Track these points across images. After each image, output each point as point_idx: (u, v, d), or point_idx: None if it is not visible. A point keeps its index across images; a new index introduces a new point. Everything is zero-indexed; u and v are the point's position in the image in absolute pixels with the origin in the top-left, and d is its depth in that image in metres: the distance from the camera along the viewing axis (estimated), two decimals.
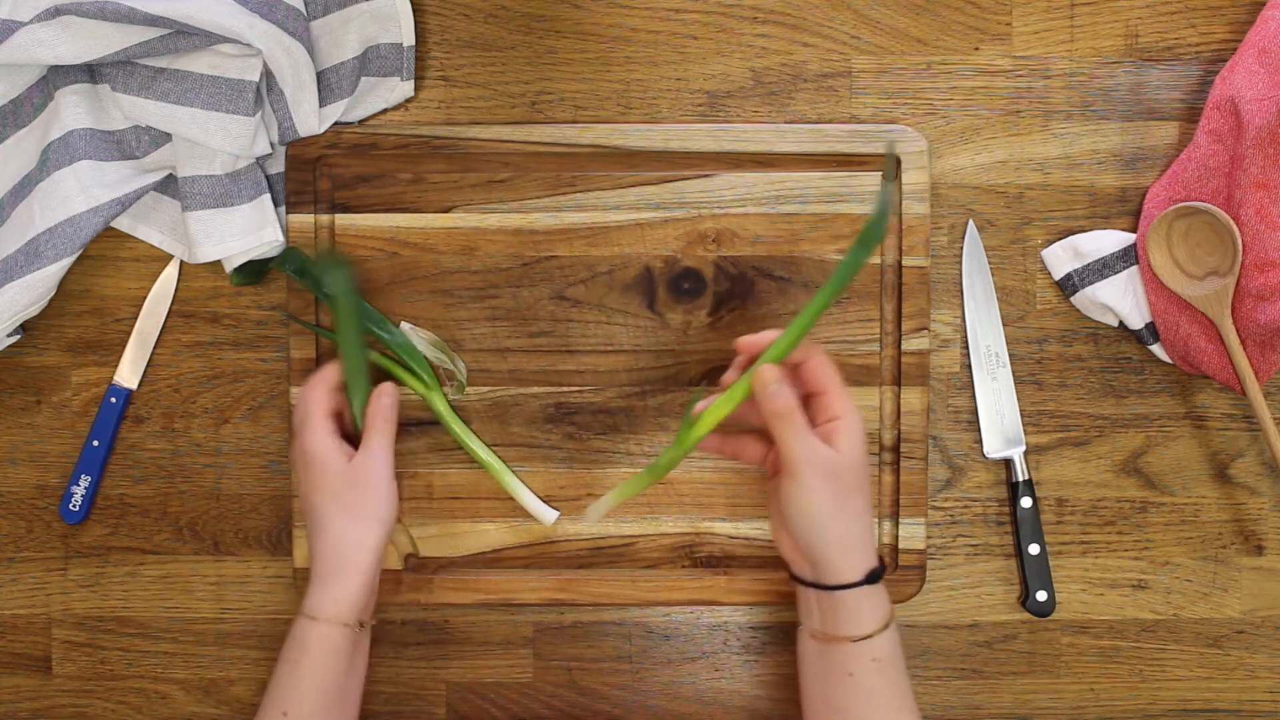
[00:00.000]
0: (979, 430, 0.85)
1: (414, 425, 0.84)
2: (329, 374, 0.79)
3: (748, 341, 0.75)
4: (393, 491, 0.78)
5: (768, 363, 0.73)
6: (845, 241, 0.84)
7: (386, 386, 0.80)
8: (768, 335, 0.75)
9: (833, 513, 0.72)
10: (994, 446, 0.85)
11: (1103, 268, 0.84)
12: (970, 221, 0.85)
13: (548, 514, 0.83)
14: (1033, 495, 0.84)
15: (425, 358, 0.83)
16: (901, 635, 0.85)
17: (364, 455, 0.77)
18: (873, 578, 0.73)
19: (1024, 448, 0.85)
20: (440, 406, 0.83)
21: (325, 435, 0.77)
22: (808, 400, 0.75)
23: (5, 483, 0.86)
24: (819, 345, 0.75)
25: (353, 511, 0.76)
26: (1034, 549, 0.84)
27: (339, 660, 0.75)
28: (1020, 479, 0.84)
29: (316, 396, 0.78)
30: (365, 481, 0.77)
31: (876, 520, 0.84)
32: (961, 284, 0.85)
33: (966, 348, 0.85)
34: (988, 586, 0.86)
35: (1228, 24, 0.85)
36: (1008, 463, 0.85)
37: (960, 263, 0.85)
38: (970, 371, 0.85)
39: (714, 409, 0.74)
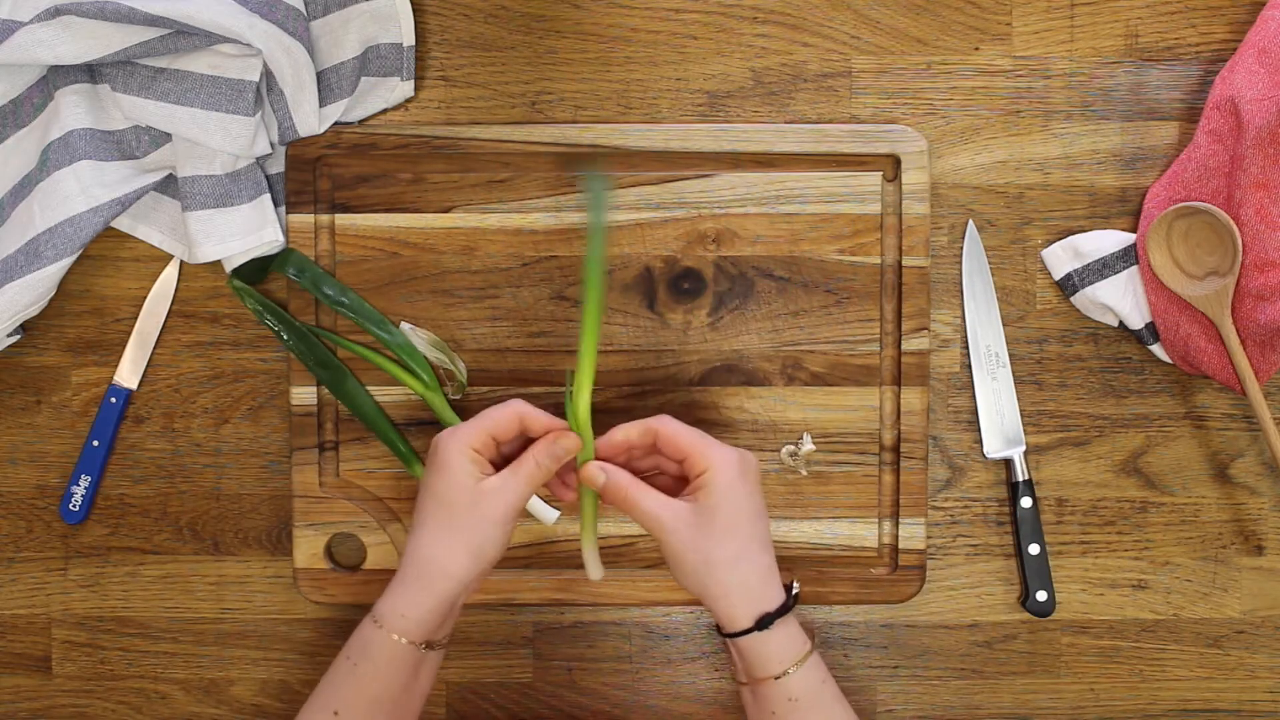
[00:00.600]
0: (979, 430, 0.85)
1: (414, 425, 0.84)
2: (488, 432, 0.73)
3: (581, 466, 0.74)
4: (505, 534, 0.72)
5: (586, 461, 0.73)
6: (845, 241, 0.84)
7: (571, 437, 0.73)
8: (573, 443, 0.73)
9: (701, 566, 0.71)
10: (994, 446, 0.85)
11: (1103, 268, 0.84)
12: (970, 221, 0.85)
13: (549, 514, 0.83)
14: (1033, 495, 0.84)
15: (425, 358, 0.83)
16: (898, 638, 0.85)
17: (499, 483, 0.71)
18: (763, 623, 0.71)
19: (1024, 448, 0.85)
20: (440, 407, 0.83)
21: (471, 447, 0.72)
22: (682, 464, 0.74)
23: (5, 483, 0.86)
24: (662, 415, 0.74)
25: (456, 531, 0.71)
26: (1034, 549, 0.84)
27: (398, 674, 0.71)
28: (1020, 479, 0.84)
29: (494, 424, 0.73)
30: (483, 509, 0.71)
31: (876, 521, 0.84)
32: (961, 284, 0.85)
33: (966, 348, 0.85)
34: (988, 586, 0.86)
35: (1228, 24, 0.85)
36: (1008, 463, 0.85)
37: (960, 263, 0.85)
38: (970, 371, 0.85)
39: (584, 533, 0.75)
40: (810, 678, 0.72)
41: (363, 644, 0.72)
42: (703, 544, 0.71)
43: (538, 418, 0.74)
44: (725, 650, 0.75)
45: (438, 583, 0.71)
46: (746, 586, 0.72)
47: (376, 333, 0.82)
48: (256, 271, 0.83)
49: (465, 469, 0.71)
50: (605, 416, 0.84)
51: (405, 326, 0.83)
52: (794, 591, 0.74)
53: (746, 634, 0.72)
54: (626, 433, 0.74)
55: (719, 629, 0.74)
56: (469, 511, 0.71)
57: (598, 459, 0.74)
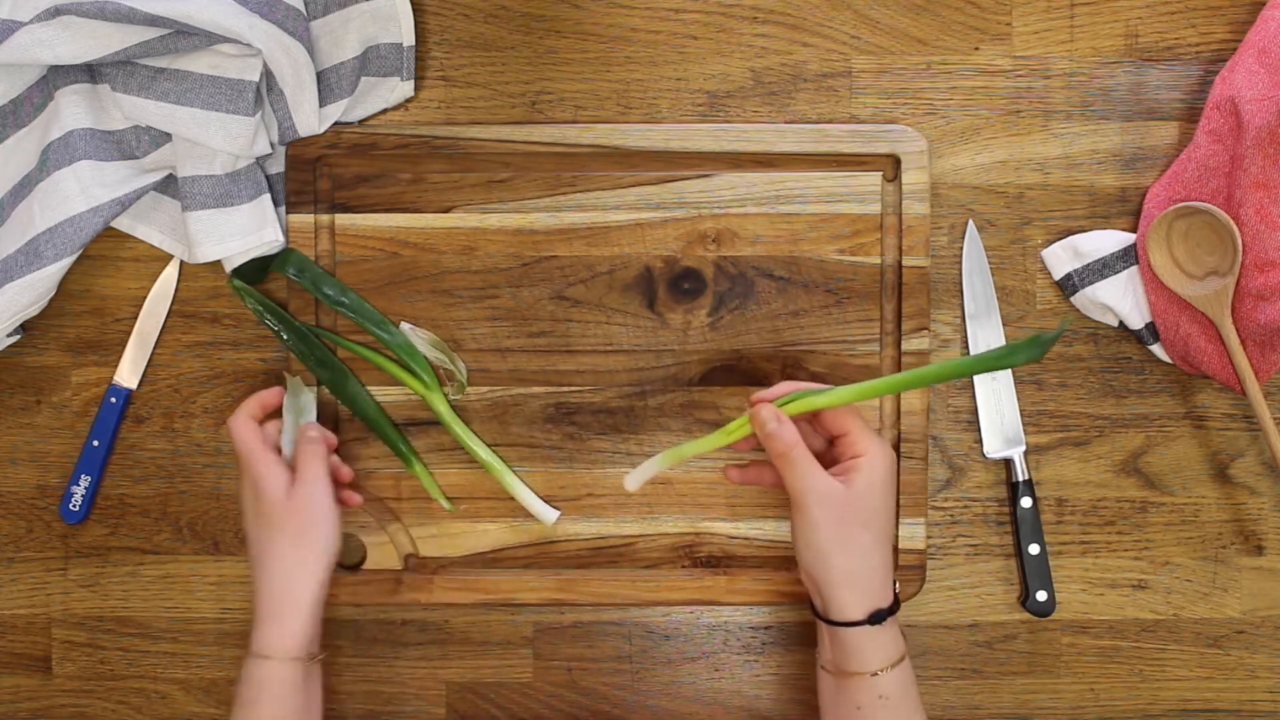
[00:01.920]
0: (979, 430, 0.85)
1: (414, 425, 0.84)
2: (258, 402, 0.79)
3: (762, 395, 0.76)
4: (334, 521, 0.76)
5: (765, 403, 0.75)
6: (845, 241, 0.84)
7: (312, 425, 0.79)
8: (782, 388, 0.76)
9: (835, 548, 0.73)
10: (994, 446, 0.85)
11: (1103, 268, 0.84)
12: (970, 221, 0.85)
13: (549, 514, 0.83)
14: (1033, 495, 0.84)
15: (425, 358, 0.83)
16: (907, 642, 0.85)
17: (300, 486, 0.75)
18: (876, 618, 0.73)
19: (1024, 448, 0.85)
20: (440, 407, 0.83)
21: (271, 464, 0.76)
22: (835, 441, 0.76)
23: (5, 483, 0.86)
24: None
25: (296, 544, 0.75)
26: (1034, 549, 0.84)
27: (296, 696, 0.74)
28: (1020, 479, 0.84)
29: (249, 427, 0.77)
30: (306, 512, 0.75)
31: None
32: (961, 284, 0.85)
33: (966, 348, 0.85)
34: (988, 586, 0.86)
35: (1228, 24, 0.85)
36: (1008, 463, 0.85)
37: (960, 263, 0.85)
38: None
39: (710, 439, 0.77)
40: (900, 680, 0.73)
41: (255, 683, 0.74)
42: (840, 528, 0.73)
43: (261, 401, 0.79)
44: (818, 634, 0.76)
45: (305, 595, 0.75)
46: (865, 579, 0.73)
47: (377, 333, 0.82)
48: (257, 271, 0.83)
49: (276, 486, 0.75)
50: (605, 416, 0.84)
51: (405, 327, 0.83)
52: (897, 594, 0.76)
53: (855, 625, 0.73)
54: (793, 389, 0.75)
55: (820, 614, 0.75)
56: (298, 522, 0.75)
57: (761, 402, 0.76)
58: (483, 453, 0.82)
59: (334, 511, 0.76)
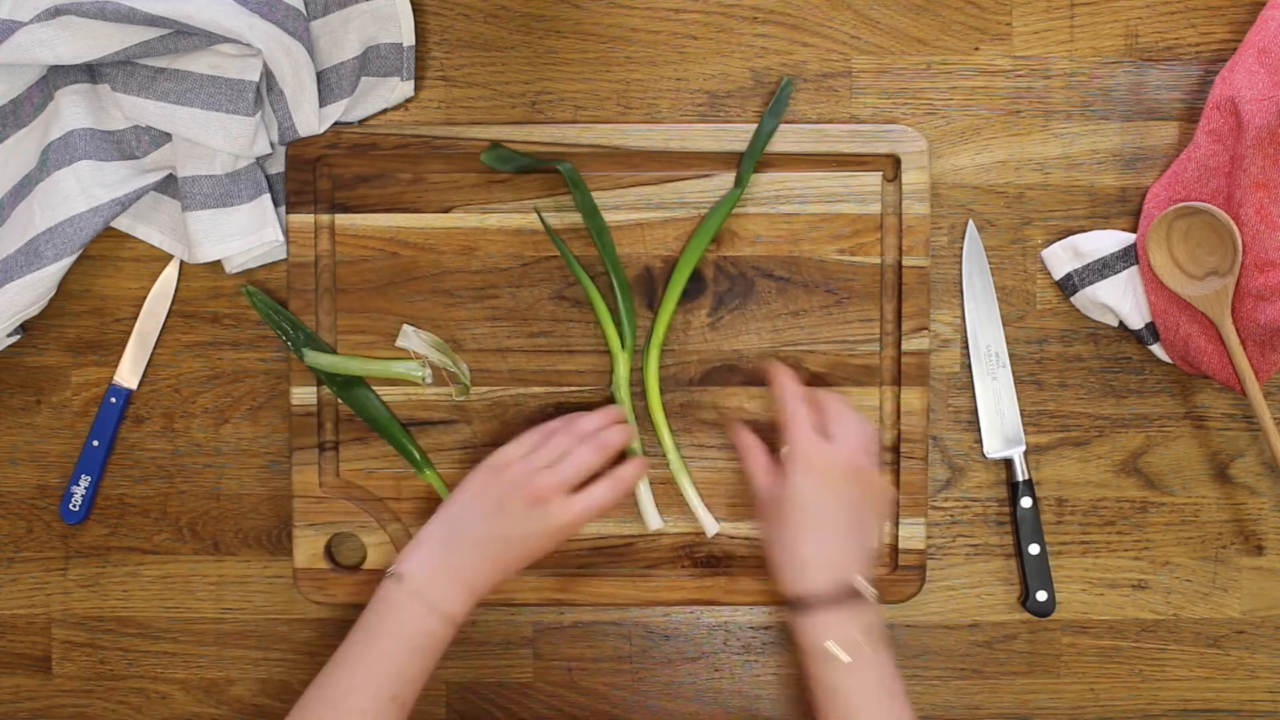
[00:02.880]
0: (979, 430, 0.85)
1: (414, 425, 0.84)
2: (585, 425, 0.79)
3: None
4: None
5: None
6: (845, 241, 0.84)
7: (639, 461, 0.80)
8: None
9: (771, 538, 0.77)
10: (994, 446, 0.85)
11: (1103, 268, 0.84)
12: (970, 221, 0.85)
13: (656, 519, 0.83)
14: (1033, 495, 0.84)
15: (428, 360, 0.83)
16: (898, 638, 0.85)
17: (584, 514, 0.76)
18: (841, 595, 0.74)
19: (1024, 448, 0.85)
20: (622, 372, 0.83)
21: (567, 491, 0.76)
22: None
23: (5, 483, 0.86)
24: (778, 366, 0.82)
25: (541, 548, 0.77)
26: (1034, 549, 0.84)
27: (438, 655, 0.75)
28: (1020, 479, 0.84)
29: (610, 496, 0.78)
30: (568, 531, 0.77)
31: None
32: (961, 284, 0.85)
33: (966, 348, 0.85)
34: (988, 586, 0.86)
35: (1228, 24, 0.85)
36: (1008, 463, 0.85)
37: (960, 263, 0.85)
38: (970, 371, 0.85)
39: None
40: (875, 665, 0.73)
41: (430, 635, 0.74)
42: (770, 529, 0.78)
43: (591, 423, 0.79)
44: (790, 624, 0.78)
45: (496, 584, 0.77)
46: (837, 554, 0.75)
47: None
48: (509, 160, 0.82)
49: (561, 523, 0.76)
50: None
51: (407, 329, 0.83)
52: (860, 590, 0.75)
53: (818, 605, 0.74)
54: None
55: (785, 599, 0.77)
56: (558, 538, 0.77)
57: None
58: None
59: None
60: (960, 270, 0.85)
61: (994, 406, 0.85)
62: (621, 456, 0.80)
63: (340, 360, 0.82)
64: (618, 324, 0.83)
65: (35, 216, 0.80)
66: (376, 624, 0.74)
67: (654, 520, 0.83)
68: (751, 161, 0.82)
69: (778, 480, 0.77)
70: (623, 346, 0.82)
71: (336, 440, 0.84)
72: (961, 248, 0.85)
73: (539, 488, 0.75)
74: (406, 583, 0.74)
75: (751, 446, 0.81)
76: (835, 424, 0.78)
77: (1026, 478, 0.84)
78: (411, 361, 0.83)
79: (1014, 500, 0.85)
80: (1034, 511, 0.84)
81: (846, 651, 0.73)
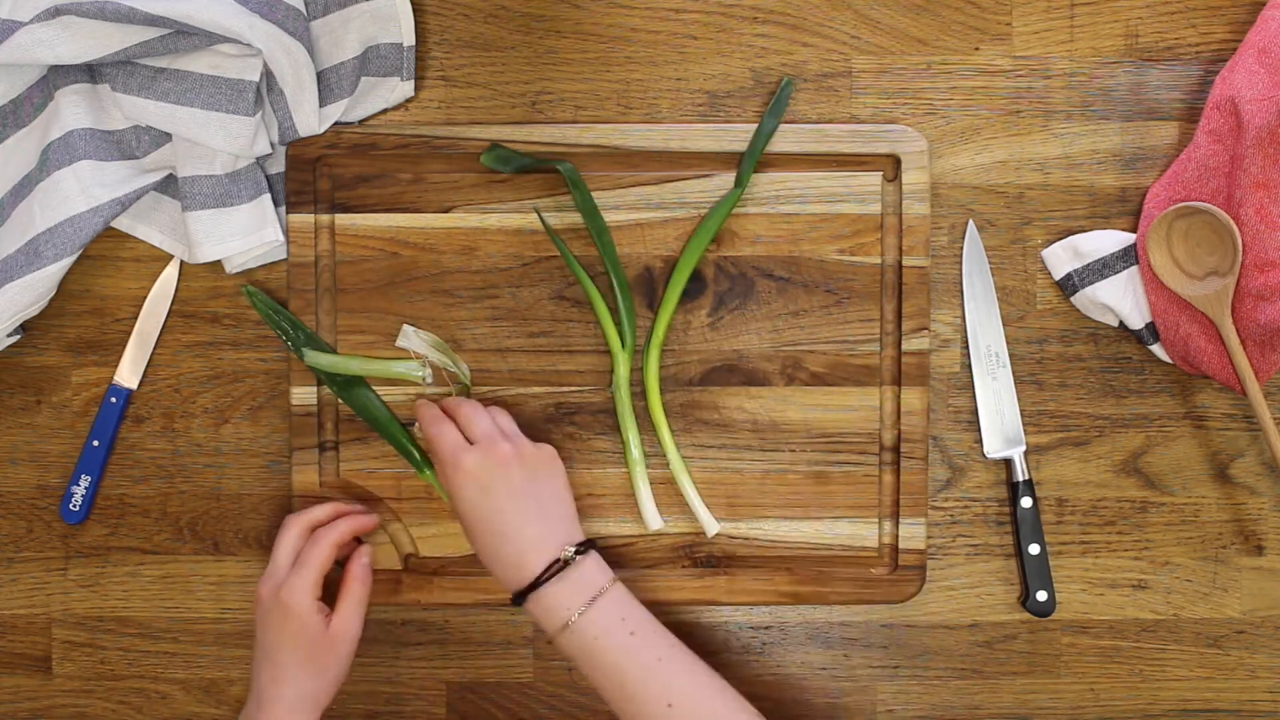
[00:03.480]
0: (979, 430, 0.85)
1: (414, 424, 0.84)
2: (314, 515, 0.80)
3: None
4: (352, 654, 0.79)
5: None
6: (845, 241, 0.84)
7: (365, 550, 0.81)
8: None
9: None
10: (994, 446, 0.85)
11: (1103, 268, 0.84)
12: (970, 222, 0.85)
13: (656, 520, 0.83)
14: (1033, 495, 0.84)
15: (428, 360, 0.83)
16: (898, 638, 0.85)
17: (341, 621, 0.78)
18: (552, 571, 0.75)
19: (1024, 448, 0.85)
20: (622, 372, 0.83)
21: (311, 592, 0.77)
22: None
23: (5, 483, 0.86)
24: (422, 403, 0.81)
25: (318, 672, 0.77)
26: (1034, 549, 0.84)
27: None
28: (1020, 479, 0.84)
29: (294, 541, 0.79)
30: (339, 648, 0.77)
31: (877, 521, 0.84)
32: (961, 284, 0.85)
33: (967, 347, 0.85)
34: (988, 586, 0.86)
35: (1228, 24, 0.85)
36: (1008, 463, 0.85)
37: (960, 263, 0.85)
38: (970, 371, 0.85)
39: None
40: (602, 617, 0.75)
41: None
42: (472, 543, 0.78)
43: (319, 516, 0.81)
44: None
45: (309, 716, 0.77)
46: (507, 566, 0.76)
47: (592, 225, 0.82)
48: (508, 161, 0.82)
49: (313, 617, 0.77)
50: (605, 416, 0.84)
51: (407, 329, 0.83)
52: (564, 557, 0.76)
53: (524, 603, 0.76)
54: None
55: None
56: (327, 655, 0.77)
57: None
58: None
59: (355, 643, 0.79)
60: (960, 270, 0.85)
61: (994, 406, 0.85)
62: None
63: (340, 360, 0.82)
64: (618, 324, 0.83)
65: (35, 216, 0.80)
66: None
67: (654, 520, 0.83)
68: (752, 161, 0.82)
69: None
70: (623, 346, 0.82)
71: (337, 440, 0.84)
72: (961, 248, 0.85)
73: (265, 590, 0.78)
74: None
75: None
76: (469, 426, 0.78)
77: (1026, 478, 0.84)
78: (412, 361, 0.83)
79: (1014, 500, 0.85)
80: (1034, 511, 0.84)
81: (577, 613, 0.74)
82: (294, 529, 0.79)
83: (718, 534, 0.84)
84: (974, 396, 0.85)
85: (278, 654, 0.77)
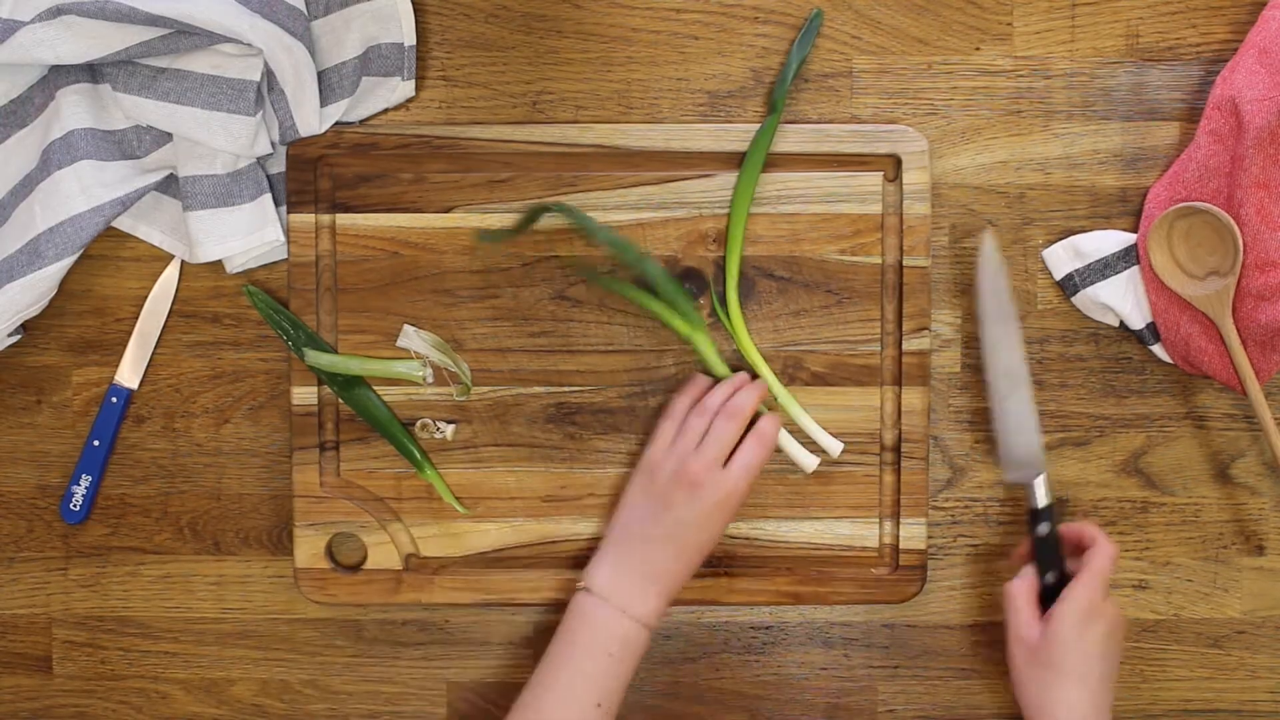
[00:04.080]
0: (979, 430, 0.85)
1: (414, 424, 0.84)
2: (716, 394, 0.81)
3: None
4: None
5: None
6: (846, 241, 0.84)
7: (773, 416, 0.81)
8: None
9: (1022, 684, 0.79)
10: (1011, 474, 0.81)
11: (1104, 268, 0.84)
12: (987, 234, 0.82)
13: (809, 460, 0.83)
14: (1052, 520, 0.80)
15: (428, 359, 0.83)
16: (898, 638, 0.85)
17: (745, 476, 0.79)
18: None
19: (1044, 474, 0.80)
20: (706, 350, 0.82)
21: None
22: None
23: (5, 482, 0.86)
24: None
25: (715, 538, 0.79)
26: (1049, 578, 0.79)
27: (637, 663, 0.78)
28: (1039, 505, 0.80)
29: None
30: (739, 500, 0.79)
31: (877, 521, 0.85)
32: (978, 303, 0.82)
33: (967, 348, 0.85)
34: (988, 586, 0.86)
35: (1228, 24, 0.85)
36: (1025, 487, 0.81)
37: (960, 264, 0.85)
38: (986, 390, 0.82)
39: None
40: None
41: (624, 641, 0.77)
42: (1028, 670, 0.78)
43: (718, 397, 0.80)
44: None
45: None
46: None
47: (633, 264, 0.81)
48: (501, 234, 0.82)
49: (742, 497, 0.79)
50: (605, 416, 0.84)
51: (408, 329, 0.83)
52: None
53: None
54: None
55: None
56: (732, 511, 0.79)
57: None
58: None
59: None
60: (960, 270, 0.85)
61: (1012, 430, 0.81)
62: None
63: (341, 360, 0.82)
64: (680, 313, 0.82)
65: (36, 216, 0.80)
66: (572, 637, 0.78)
67: (809, 462, 0.83)
68: (783, 90, 0.82)
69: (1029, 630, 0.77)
70: (695, 327, 0.82)
71: (337, 440, 0.84)
72: (962, 248, 0.85)
73: (693, 473, 0.78)
74: (596, 593, 0.78)
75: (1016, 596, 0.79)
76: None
77: (1047, 503, 0.80)
78: (412, 361, 0.83)
79: (1032, 525, 0.80)
80: (1052, 538, 0.80)
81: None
82: (699, 408, 0.80)
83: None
84: (989, 420, 0.82)
85: (710, 527, 0.78)
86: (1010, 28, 0.85)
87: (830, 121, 0.85)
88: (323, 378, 0.83)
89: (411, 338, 0.83)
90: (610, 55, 0.85)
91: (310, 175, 0.83)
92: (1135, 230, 0.85)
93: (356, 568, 0.85)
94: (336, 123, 0.83)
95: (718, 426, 0.79)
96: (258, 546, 0.86)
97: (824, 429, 0.82)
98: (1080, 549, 0.80)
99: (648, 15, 0.85)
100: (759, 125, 0.82)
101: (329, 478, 0.84)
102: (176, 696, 0.87)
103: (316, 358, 0.82)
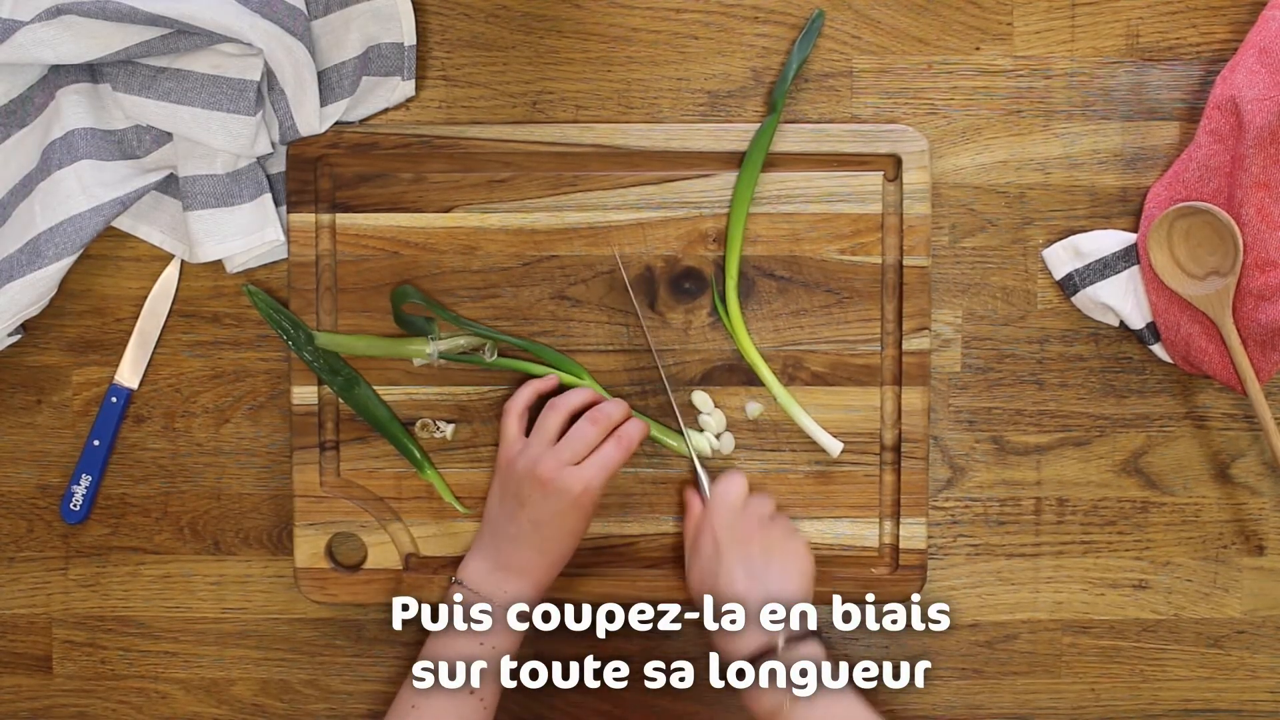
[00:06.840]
0: (979, 431, 0.85)
1: (414, 424, 0.84)
2: (537, 389, 0.82)
3: None
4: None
5: None
6: (846, 241, 0.84)
7: (639, 423, 0.81)
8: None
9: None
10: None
11: (1104, 268, 0.84)
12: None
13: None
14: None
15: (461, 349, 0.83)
16: (899, 638, 0.85)
17: (599, 479, 0.79)
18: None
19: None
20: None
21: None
22: None
23: (5, 482, 0.86)
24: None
25: (576, 533, 0.80)
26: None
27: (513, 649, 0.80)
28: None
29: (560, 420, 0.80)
30: (586, 506, 0.79)
31: (877, 520, 0.85)
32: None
33: (967, 348, 0.85)
34: (988, 586, 0.86)
35: (1228, 24, 0.85)
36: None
37: (959, 263, 0.85)
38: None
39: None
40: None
41: (494, 632, 0.78)
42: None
43: (576, 399, 0.81)
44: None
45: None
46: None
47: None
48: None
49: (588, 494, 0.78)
50: None
51: (433, 344, 0.83)
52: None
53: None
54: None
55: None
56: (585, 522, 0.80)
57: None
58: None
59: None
60: (959, 270, 0.85)
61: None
62: None
63: (347, 340, 0.82)
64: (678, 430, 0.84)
65: (36, 216, 0.80)
66: (446, 629, 0.78)
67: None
68: (783, 90, 0.82)
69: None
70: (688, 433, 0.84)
71: (337, 440, 0.84)
72: (961, 248, 0.85)
73: (545, 473, 0.77)
74: (467, 586, 0.79)
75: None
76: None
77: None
78: (420, 341, 0.82)
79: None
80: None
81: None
82: (555, 406, 0.80)
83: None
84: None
85: (575, 530, 0.79)
86: (1010, 28, 0.85)
87: (830, 121, 0.85)
88: (323, 376, 0.83)
89: (434, 346, 0.82)
90: (610, 55, 0.85)
91: (310, 175, 0.83)
92: (1135, 230, 0.85)
93: (356, 568, 0.85)
94: (336, 122, 0.83)
95: (580, 428, 0.78)
96: (258, 546, 0.86)
97: (824, 429, 0.83)
98: None
99: (648, 15, 0.85)
100: (759, 125, 0.82)
101: (329, 477, 0.84)
102: (176, 696, 0.87)
103: (328, 339, 0.82)
